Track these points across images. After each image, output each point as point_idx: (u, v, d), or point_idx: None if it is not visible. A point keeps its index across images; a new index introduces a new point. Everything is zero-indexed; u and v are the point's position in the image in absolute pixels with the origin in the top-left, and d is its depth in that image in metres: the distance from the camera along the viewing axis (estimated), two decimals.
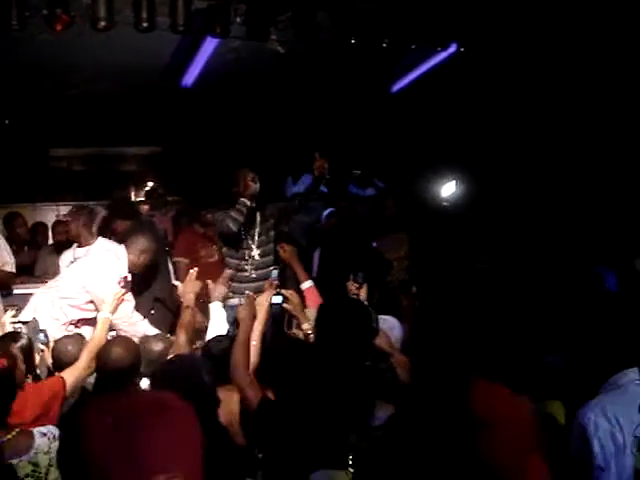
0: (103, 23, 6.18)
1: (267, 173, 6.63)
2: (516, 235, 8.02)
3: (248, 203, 6.21)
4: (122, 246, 5.86)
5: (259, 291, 6.10)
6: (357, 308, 3.83)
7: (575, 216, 7.64)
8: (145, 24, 6.30)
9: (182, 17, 6.35)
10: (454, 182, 9.24)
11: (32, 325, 5.60)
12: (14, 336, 4.92)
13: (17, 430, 3.35)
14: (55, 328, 5.70)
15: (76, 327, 5.79)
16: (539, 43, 6.97)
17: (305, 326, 4.60)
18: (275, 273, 5.07)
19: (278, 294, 4.73)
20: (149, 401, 3.11)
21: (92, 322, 5.68)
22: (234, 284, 6.24)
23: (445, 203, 9.35)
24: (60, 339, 4.84)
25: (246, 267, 6.31)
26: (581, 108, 7.42)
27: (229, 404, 3.76)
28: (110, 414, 3.10)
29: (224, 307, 6.08)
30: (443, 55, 7.54)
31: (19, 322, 5.81)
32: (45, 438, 3.32)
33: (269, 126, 10.02)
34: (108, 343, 4.38)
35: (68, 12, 6.10)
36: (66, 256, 7.09)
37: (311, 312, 4.92)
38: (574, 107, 7.47)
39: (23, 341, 4.71)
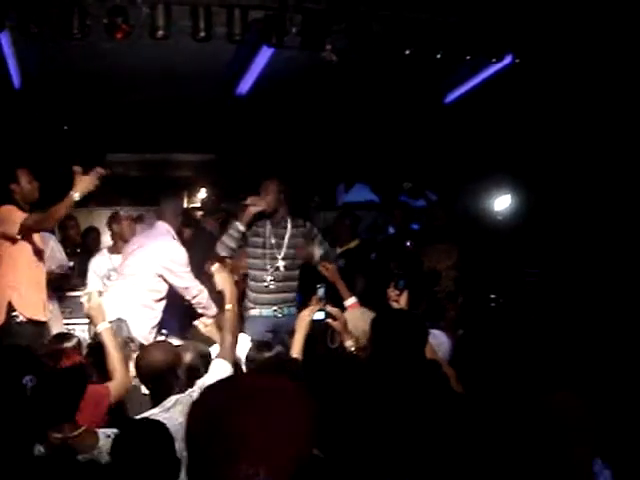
0: (161, 32, 6.30)
1: (319, 181, 6.66)
2: (569, 249, 7.93)
3: (242, 229, 6.18)
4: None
5: (280, 303, 6.22)
6: (409, 318, 3.83)
7: (633, 231, 7.52)
8: (202, 33, 6.40)
9: (239, 27, 6.45)
10: (508, 195, 9.19)
11: (116, 325, 5.73)
12: (67, 337, 5.06)
13: (83, 428, 3.41)
14: (143, 323, 5.94)
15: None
16: (594, 54, 6.91)
17: (349, 343, 4.60)
18: (322, 291, 5.05)
19: (321, 310, 4.73)
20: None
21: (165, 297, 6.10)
22: (252, 294, 6.29)
23: (499, 217, 9.30)
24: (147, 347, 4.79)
25: (266, 277, 6.23)
26: None
27: None
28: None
29: (245, 318, 6.21)
30: (498, 66, 7.51)
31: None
32: (109, 440, 3.35)
33: (321, 135, 10.06)
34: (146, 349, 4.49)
35: (128, 21, 6.22)
36: (99, 262, 7.27)
37: (350, 314, 4.95)
38: (633, 118, 7.37)
39: (75, 341, 4.85)
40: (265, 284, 6.22)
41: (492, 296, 7.29)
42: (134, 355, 4.80)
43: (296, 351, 4.44)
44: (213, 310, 6.18)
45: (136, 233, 7.09)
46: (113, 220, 7.86)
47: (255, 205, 6.15)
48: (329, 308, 4.70)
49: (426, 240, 8.36)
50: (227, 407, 1.65)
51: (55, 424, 3.35)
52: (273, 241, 6.25)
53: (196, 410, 1.74)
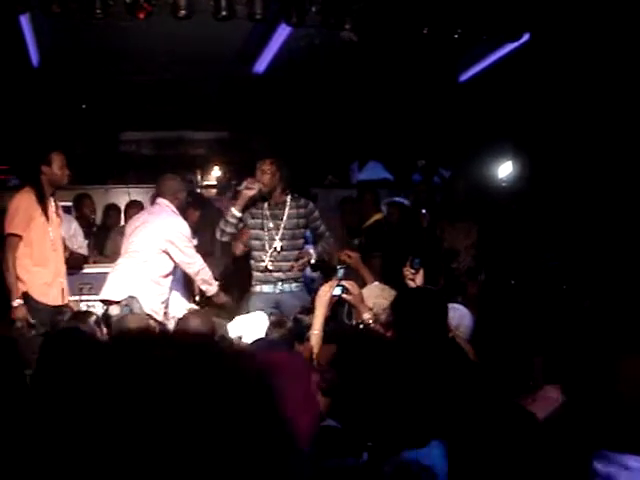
0: (183, 12, 6.31)
1: (333, 159, 6.68)
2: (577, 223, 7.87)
3: (238, 214, 6.25)
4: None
5: (272, 282, 6.29)
6: (431, 296, 3.89)
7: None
8: (224, 12, 6.39)
9: (259, 5, 6.47)
10: (510, 162, 9.14)
11: (129, 302, 5.83)
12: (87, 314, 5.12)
13: None
14: (152, 299, 6.02)
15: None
16: (609, 33, 6.91)
17: (366, 316, 4.66)
18: (342, 272, 5.10)
19: (339, 286, 4.79)
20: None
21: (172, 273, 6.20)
22: (254, 273, 6.36)
23: (503, 184, 9.24)
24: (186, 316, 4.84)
25: (263, 257, 6.27)
26: None
27: None
28: None
29: (253, 295, 6.30)
30: (514, 45, 7.52)
31: (105, 301, 6.11)
32: None
33: (336, 113, 10.08)
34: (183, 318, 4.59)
35: (150, 1, 6.24)
36: None
37: (370, 290, 5.03)
38: None
39: (94, 318, 4.93)
40: (264, 264, 6.26)
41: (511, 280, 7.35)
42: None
43: (317, 328, 4.46)
44: (215, 287, 6.29)
45: None
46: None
47: (249, 189, 6.21)
48: (343, 282, 4.76)
49: (444, 217, 8.39)
50: None
51: None
52: (271, 224, 6.27)
53: None
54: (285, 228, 6.27)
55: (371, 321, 4.55)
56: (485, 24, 7.05)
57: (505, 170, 9.32)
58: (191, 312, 5.15)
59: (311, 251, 6.42)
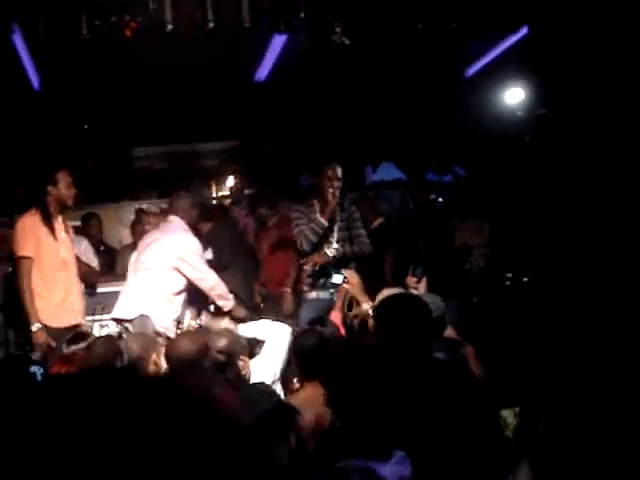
0: (170, 26, 6.29)
1: (345, 162, 6.59)
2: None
3: (325, 224, 6.20)
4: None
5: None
6: (412, 304, 3.78)
7: None
8: (212, 24, 6.38)
9: (247, 14, 6.43)
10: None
11: (141, 321, 5.79)
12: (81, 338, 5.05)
13: None
14: (164, 317, 5.95)
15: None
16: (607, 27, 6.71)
17: (364, 307, 4.60)
18: (420, 270, 5.02)
19: (339, 274, 4.70)
20: None
21: (185, 291, 6.11)
22: (309, 278, 6.29)
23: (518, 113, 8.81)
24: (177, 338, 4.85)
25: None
26: None
27: (317, 400, 3.74)
28: None
29: (304, 301, 6.22)
30: (515, 38, 7.36)
31: (117, 319, 6.08)
32: None
33: (345, 116, 9.99)
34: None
35: (135, 18, 6.22)
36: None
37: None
38: None
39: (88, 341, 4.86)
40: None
41: (508, 275, 7.21)
42: (163, 349, 4.87)
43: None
44: (231, 302, 6.20)
45: None
46: (138, 221, 7.91)
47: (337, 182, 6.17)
48: (343, 270, 4.69)
49: (457, 214, 8.28)
50: None
51: None
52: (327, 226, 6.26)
53: None
54: (340, 230, 6.32)
55: (370, 312, 4.48)
56: (480, 16, 6.92)
57: (515, 97, 8.80)
58: (183, 333, 5.11)
59: (328, 252, 6.32)
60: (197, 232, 6.48)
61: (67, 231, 6.20)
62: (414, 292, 4.72)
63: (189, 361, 4.23)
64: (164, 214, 7.51)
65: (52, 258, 5.98)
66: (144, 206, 8.49)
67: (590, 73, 7.16)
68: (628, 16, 6.47)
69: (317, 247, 6.25)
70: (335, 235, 6.29)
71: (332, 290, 6.03)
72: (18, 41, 6.86)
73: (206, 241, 6.81)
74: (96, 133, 10.10)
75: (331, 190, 6.12)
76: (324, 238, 6.25)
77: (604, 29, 6.69)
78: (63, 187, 5.95)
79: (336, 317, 5.09)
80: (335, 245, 6.26)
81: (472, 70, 8.49)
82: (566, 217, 7.55)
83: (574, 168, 7.56)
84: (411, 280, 4.79)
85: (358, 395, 3.29)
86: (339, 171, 6.20)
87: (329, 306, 6.08)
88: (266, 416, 3.36)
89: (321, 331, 4.78)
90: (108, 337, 5.15)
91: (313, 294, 6.25)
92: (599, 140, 7.27)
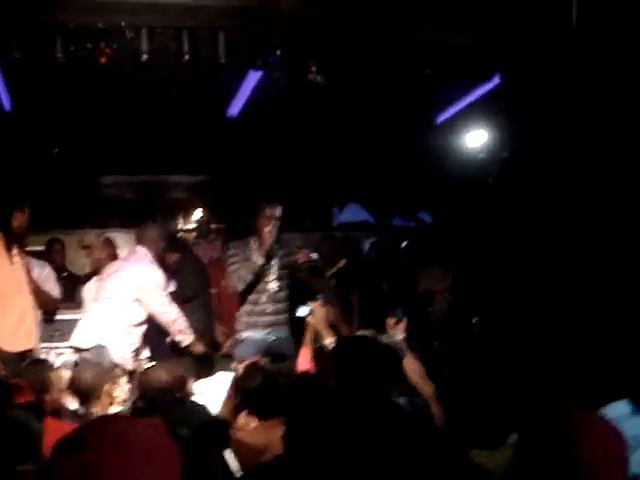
0: (145, 56, 6.29)
1: (312, 202, 6.61)
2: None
3: (261, 261, 6.17)
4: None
5: (273, 325, 6.19)
6: (371, 347, 3.76)
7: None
8: (187, 56, 6.38)
9: (223, 49, 6.45)
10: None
11: (97, 351, 5.70)
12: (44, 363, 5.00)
13: None
14: (122, 348, 5.88)
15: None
16: (582, 75, 6.81)
17: (328, 341, 4.57)
18: (400, 311, 5.02)
19: (306, 306, 4.68)
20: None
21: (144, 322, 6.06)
22: (252, 318, 6.25)
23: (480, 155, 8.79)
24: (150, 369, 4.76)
25: (264, 298, 6.23)
26: None
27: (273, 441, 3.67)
28: None
29: (242, 341, 6.16)
30: (487, 87, 7.46)
31: (74, 348, 5.99)
32: None
33: (314, 155, 10.03)
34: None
35: (111, 46, 6.21)
36: (91, 288, 7.21)
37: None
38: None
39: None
40: (263, 307, 6.22)
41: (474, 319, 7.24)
42: (120, 380, 4.78)
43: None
44: (190, 337, 6.14)
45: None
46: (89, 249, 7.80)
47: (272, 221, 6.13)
48: (310, 303, 4.67)
49: (420, 260, 8.31)
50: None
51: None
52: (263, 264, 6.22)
53: None
54: (280, 268, 6.27)
55: (333, 346, 4.46)
56: (455, 65, 7.00)
57: (477, 139, 8.79)
58: (155, 365, 5.02)
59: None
60: (163, 263, 6.44)
61: (22, 256, 6.13)
62: (393, 333, 4.70)
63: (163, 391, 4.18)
64: (107, 245, 7.39)
65: (7, 282, 5.90)
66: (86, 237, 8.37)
67: (557, 117, 7.25)
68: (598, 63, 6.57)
69: (253, 285, 6.21)
70: (275, 273, 6.25)
71: (267, 331, 6.10)
72: None
73: (171, 272, 6.76)
74: (65, 158, 10.02)
75: (267, 229, 6.10)
76: (260, 276, 6.21)
77: (574, 72, 6.78)
78: (28, 214, 5.91)
79: (305, 353, 5.05)
80: (274, 283, 6.23)
81: (443, 117, 8.60)
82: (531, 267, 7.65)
83: (539, 214, 7.65)
84: (391, 321, 4.76)
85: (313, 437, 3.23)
86: (278, 210, 6.18)
87: (264, 345, 6.09)
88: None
89: (265, 368, 4.77)
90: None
91: (246, 333, 6.23)
92: (564, 183, 7.35)
